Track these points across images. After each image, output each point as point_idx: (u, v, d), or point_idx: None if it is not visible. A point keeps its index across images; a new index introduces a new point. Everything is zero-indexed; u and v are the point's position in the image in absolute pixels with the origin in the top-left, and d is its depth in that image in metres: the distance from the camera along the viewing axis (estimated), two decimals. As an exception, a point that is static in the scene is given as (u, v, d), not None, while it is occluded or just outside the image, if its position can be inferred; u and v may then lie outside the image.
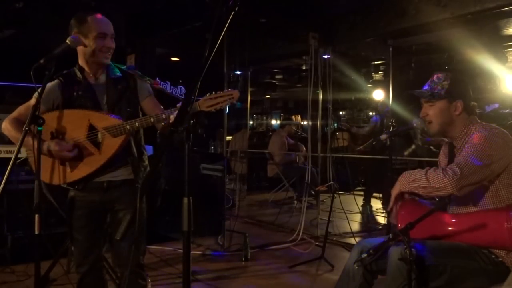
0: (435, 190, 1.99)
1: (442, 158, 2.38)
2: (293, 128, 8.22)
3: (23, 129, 1.97)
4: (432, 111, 2.20)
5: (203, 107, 2.05)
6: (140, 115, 2.34)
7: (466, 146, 2.08)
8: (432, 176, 2.00)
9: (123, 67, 2.43)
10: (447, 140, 2.34)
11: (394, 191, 2.16)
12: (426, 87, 2.24)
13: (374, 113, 7.83)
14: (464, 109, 2.17)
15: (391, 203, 2.19)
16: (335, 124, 9.64)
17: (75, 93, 2.27)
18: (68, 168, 2.24)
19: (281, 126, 8.24)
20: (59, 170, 2.25)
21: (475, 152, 1.99)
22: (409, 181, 2.08)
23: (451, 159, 2.21)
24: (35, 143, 2.02)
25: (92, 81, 2.32)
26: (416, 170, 2.11)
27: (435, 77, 2.22)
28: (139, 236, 2.33)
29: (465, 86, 2.24)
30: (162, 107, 2.36)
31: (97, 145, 2.20)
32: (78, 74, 2.30)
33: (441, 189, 1.96)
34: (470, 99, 2.22)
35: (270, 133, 10.74)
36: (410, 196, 2.19)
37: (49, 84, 2.24)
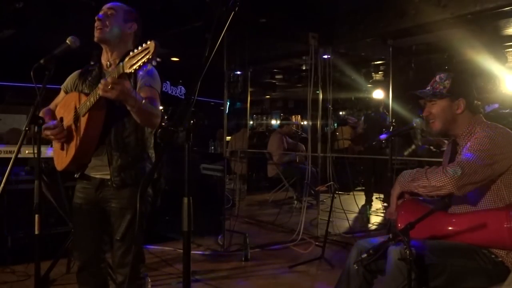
0: (435, 189, 1.98)
1: (446, 157, 2.38)
2: (292, 127, 8.18)
3: (23, 129, 1.97)
4: (435, 109, 2.21)
5: (126, 69, 1.81)
6: None
7: (468, 144, 2.07)
8: (432, 175, 1.99)
9: None
10: (446, 140, 2.34)
11: (394, 191, 2.17)
12: (428, 87, 2.25)
13: (370, 112, 7.80)
14: (466, 107, 2.17)
15: (392, 204, 2.19)
16: (335, 124, 9.62)
17: (87, 80, 2.24)
18: (64, 153, 2.20)
19: (280, 126, 8.23)
20: (61, 155, 2.22)
21: (477, 151, 1.99)
22: (408, 181, 2.09)
23: (453, 158, 2.20)
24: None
25: (105, 68, 2.24)
26: (415, 169, 2.12)
27: (437, 77, 2.24)
28: (137, 239, 2.22)
29: (467, 85, 2.25)
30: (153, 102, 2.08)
31: (77, 126, 2.13)
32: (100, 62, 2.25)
33: (441, 188, 1.96)
34: (474, 98, 2.22)
35: (267, 133, 10.73)
36: (411, 196, 2.19)
37: (74, 73, 2.28)
